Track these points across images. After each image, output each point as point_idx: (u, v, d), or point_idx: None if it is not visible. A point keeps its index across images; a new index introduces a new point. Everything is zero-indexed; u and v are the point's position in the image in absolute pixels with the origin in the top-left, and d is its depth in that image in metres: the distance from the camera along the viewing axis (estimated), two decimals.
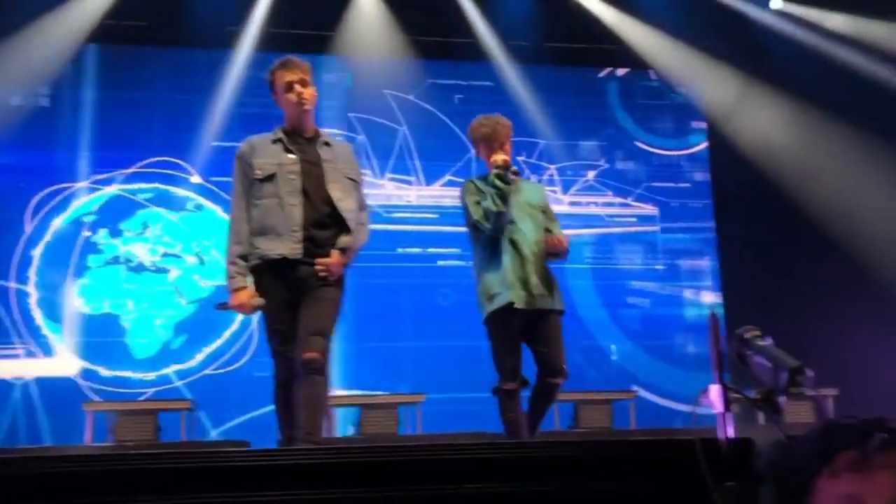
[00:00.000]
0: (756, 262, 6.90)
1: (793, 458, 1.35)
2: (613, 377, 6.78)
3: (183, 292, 6.59)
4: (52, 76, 6.54)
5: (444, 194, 6.96)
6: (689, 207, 7.40)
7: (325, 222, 3.17)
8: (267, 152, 3.22)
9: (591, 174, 7.29)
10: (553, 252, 3.72)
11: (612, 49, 7.15)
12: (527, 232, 3.69)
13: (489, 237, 3.65)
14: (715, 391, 2.26)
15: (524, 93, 7.05)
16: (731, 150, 7.09)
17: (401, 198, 7.00)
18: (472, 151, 3.93)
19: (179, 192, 6.70)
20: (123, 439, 5.23)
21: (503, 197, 3.56)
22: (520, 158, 6.81)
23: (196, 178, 6.68)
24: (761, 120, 7.01)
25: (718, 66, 7.15)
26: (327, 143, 3.33)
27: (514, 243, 3.64)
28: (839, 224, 6.32)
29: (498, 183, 3.58)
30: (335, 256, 3.13)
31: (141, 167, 6.64)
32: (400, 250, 6.87)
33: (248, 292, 3.13)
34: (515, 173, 3.71)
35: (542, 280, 3.64)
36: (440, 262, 6.91)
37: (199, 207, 6.72)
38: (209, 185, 6.68)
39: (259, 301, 3.11)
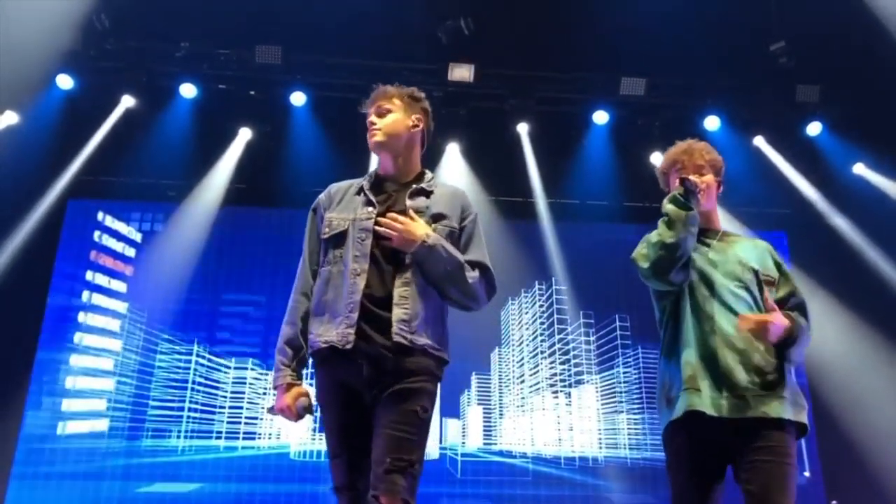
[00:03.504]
0: None
1: None
2: None
3: None
4: None
5: None
6: None
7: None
8: (345, 204, 2.55)
9: None
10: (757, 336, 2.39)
11: None
12: (731, 302, 2.49)
13: (673, 308, 2.56)
14: None
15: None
16: None
17: None
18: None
19: None
20: None
21: (672, 224, 2.45)
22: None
23: None
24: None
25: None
26: (424, 191, 2.55)
27: (705, 318, 2.47)
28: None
29: (667, 206, 2.51)
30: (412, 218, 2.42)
31: None
32: None
33: (293, 392, 2.39)
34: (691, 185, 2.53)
35: (756, 372, 2.39)
36: None
37: None
38: None
39: (306, 402, 2.39)
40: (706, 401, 2.35)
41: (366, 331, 2.33)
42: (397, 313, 2.35)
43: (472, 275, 2.46)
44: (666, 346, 2.55)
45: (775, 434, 2.34)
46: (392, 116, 2.57)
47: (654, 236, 2.48)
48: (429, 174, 2.64)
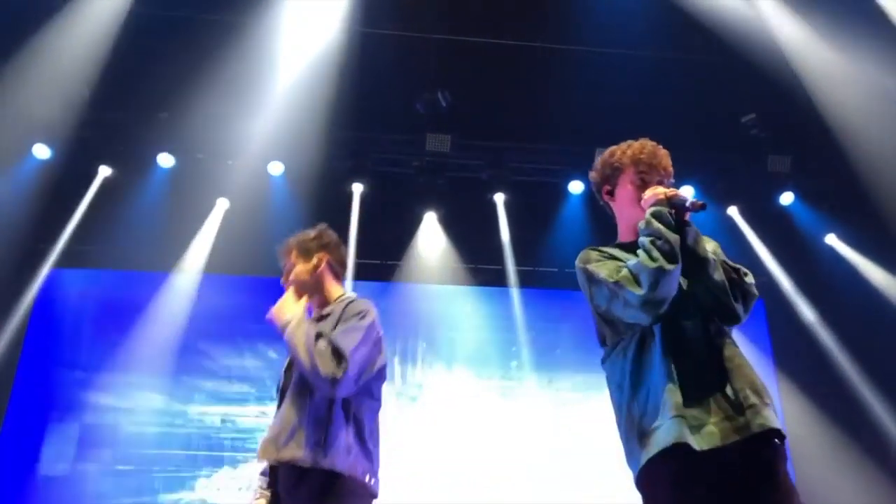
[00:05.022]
0: None
1: None
2: None
3: None
4: None
5: None
6: None
7: None
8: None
9: None
10: None
11: None
12: (698, 315, 2.17)
13: (639, 333, 2.15)
14: None
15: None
16: None
17: None
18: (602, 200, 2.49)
19: None
20: None
21: (670, 248, 2.06)
22: None
23: None
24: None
25: None
26: (325, 316, 2.71)
27: (675, 337, 2.12)
28: None
29: (656, 224, 2.11)
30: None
31: None
32: None
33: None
34: (699, 207, 2.17)
35: (750, 385, 2.09)
36: None
37: None
38: None
39: None
40: (694, 431, 1.97)
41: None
42: (264, 438, 2.57)
43: (319, 348, 2.48)
44: (631, 373, 2.12)
45: (777, 465, 2.01)
46: (294, 270, 2.80)
47: (648, 262, 2.04)
48: (342, 298, 2.77)
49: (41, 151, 6.52)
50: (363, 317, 2.62)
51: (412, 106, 6.73)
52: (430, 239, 7.16)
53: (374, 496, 2.54)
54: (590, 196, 7.09)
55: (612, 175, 2.41)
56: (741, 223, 7.15)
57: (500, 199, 7.10)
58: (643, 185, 2.30)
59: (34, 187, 6.55)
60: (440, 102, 6.64)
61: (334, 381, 2.43)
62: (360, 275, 7.08)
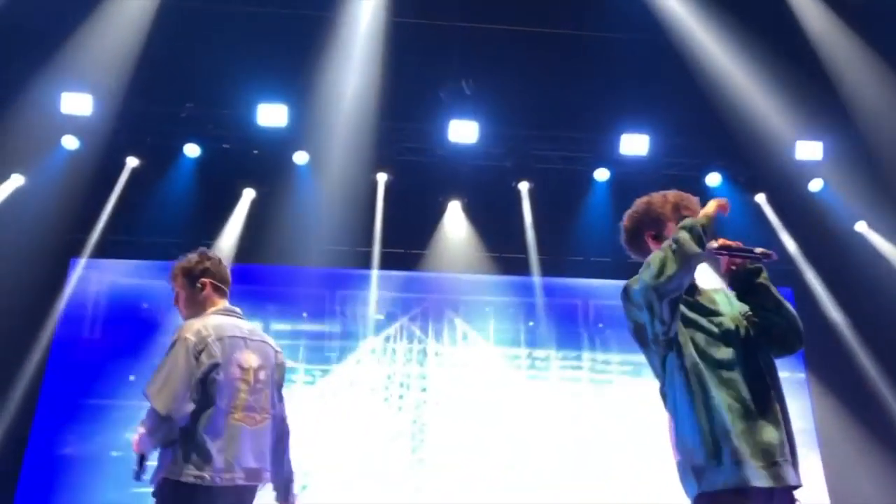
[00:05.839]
0: None
1: None
2: None
3: None
4: None
5: None
6: None
7: None
8: None
9: None
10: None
11: None
12: (744, 359, 2.24)
13: (679, 361, 2.22)
14: None
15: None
16: None
17: None
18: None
19: None
20: None
21: (701, 240, 2.16)
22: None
23: None
24: None
25: None
26: None
27: (721, 378, 2.19)
28: None
29: (682, 233, 2.19)
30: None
31: None
32: None
33: None
34: (767, 256, 2.30)
35: (790, 437, 2.19)
36: None
37: None
38: None
39: None
40: (753, 472, 2.06)
41: None
42: None
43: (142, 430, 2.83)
44: (690, 403, 2.16)
45: None
46: (181, 298, 3.11)
47: (673, 244, 2.15)
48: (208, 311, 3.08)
49: (70, 143, 6.60)
50: (169, 349, 2.90)
51: (436, 94, 6.72)
52: (455, 227, 7.16)
53: (211, 489, 2.75)
54: (615, 184, 7.07)
55: (654, 222, 2.46)
56: (771, 208, 7.06)
57: (524, 187, 7.08)
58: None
59: (64, 179, 6.63)
60: (464, 91, 6.62)
61: (166, 421, 2.78)
62: (384, 264, 7.12)
